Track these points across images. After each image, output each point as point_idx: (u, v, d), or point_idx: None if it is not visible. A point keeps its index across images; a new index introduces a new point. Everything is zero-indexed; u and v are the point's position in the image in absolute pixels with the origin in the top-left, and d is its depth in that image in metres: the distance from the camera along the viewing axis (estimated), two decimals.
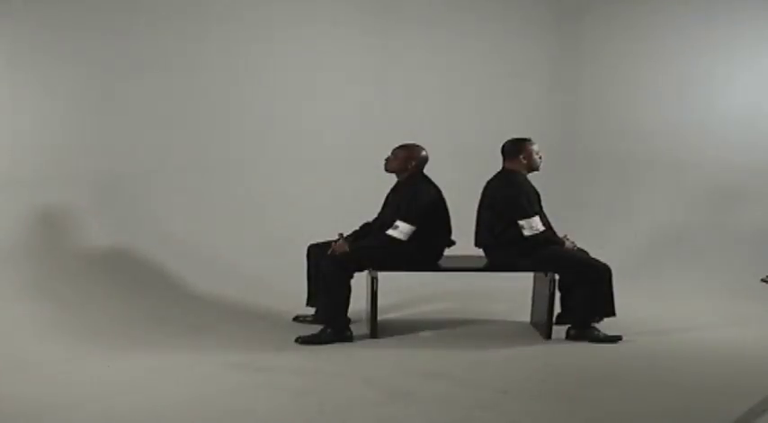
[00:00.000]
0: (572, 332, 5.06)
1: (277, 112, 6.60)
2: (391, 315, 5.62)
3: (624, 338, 5.04)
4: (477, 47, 7.31)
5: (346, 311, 5.00)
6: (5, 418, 3.71)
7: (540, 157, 5.22)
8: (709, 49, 7.03)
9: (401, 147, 5.26)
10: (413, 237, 5.05)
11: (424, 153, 5.25)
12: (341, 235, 5.26)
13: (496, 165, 5.29)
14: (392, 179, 5.36)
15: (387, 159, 5.28)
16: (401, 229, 5.03)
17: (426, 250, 5.19)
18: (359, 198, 5.84)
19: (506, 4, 7.39)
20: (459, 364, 4.58)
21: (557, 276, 5.08)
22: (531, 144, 5.21)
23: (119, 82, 5.90)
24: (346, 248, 5.11)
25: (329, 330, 4.95)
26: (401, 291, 6.09)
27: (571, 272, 5.06)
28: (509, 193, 5.09)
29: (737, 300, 6.00)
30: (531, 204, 5.07)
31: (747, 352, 4.88)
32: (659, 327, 5.44)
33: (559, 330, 5.11)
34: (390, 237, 5.05)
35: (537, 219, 5.04)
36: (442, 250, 5.27)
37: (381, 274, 5.07)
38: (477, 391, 4.11)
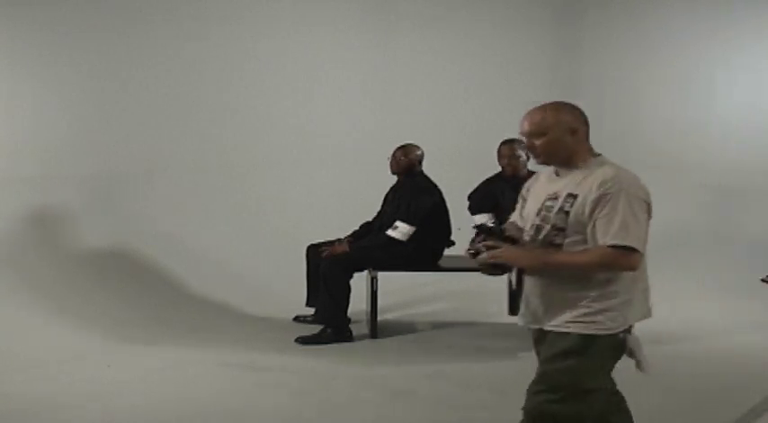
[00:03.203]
0: None
1: (277, 112, 6.60)
2: (391, 315, 5.62)
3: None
4: (477, 47, 7.31)
5: (346, 311, 5.00)
6: (5, 418, 3.71)
7: (508, 162, 5.12)
8: (710, 50, 7.02)
9: (399, 148, 5.29)
10: (412, 237, 5.05)
11: (419, 152, 5.27)
12: (339, 241, 5.27)
13: (496, 165, 5.28)
14: (392, 178, 5.37)
15: (390, 163, 5.29)
16: (400, 230, 5.03)
17: (426, 251, 5.18)
18: (359, 198, 5.84)
19: (506, 4, 7.39)
20: (459, 364, 4.58)
21: None
22: (504, 145, 5.17)
23: (118, 82, 5.90)
24: (346, 248, 5.11)
25: (329, 330, 4.95)
26: (401, 291, 6.08)
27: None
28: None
29: (738, 300, 5.98)
30: (476, 204, 5.21)
31: (747, 352, 4.87)
32: (659, 327, 5.41)
33: None
34: (390, 237, 5.05)
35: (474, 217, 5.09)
36: (442, 251, 5.27)
37: (381, 274, 5.06)
38: (477, 391, 4.11)
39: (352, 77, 6.92)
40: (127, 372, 4.37)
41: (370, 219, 5.44)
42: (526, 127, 2.70)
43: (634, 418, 3.97)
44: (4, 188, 5.41)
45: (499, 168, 5.26)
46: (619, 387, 4.38)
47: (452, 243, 5.27)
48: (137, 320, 5.22)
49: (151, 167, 6.10)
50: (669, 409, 3.91)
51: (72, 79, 5.71)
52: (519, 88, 7.39)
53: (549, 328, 2.65)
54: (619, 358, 2.68)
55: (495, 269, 2.64)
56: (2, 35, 5.45)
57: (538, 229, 2.61)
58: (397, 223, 5.05)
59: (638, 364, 2.69)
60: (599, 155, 2.71)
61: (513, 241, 2.65)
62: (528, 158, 5.12)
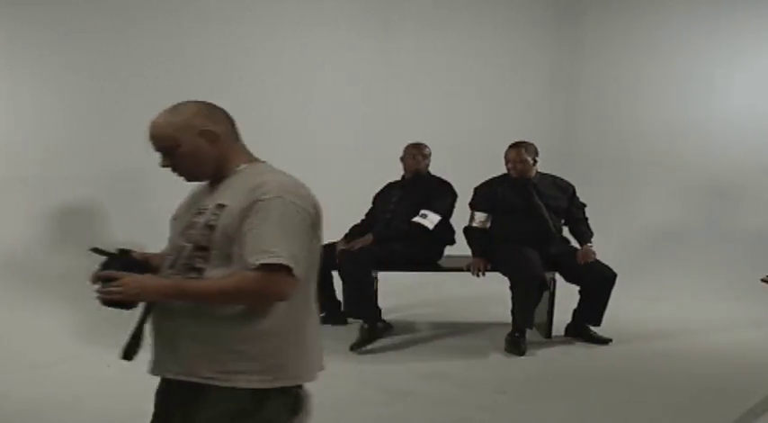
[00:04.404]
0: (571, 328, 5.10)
1: (277, 112, 6.60)
2: (391, 315, 5.62)
3: (624, 339, 5.04)
4: (478, 47, 7.31)
5: (376, 303, 4.97)
6: (5, 418, 3.71)
7: (511, 166, 5.14)
8: (710, 49, 7.02)
9: (414, 146, 5.32)
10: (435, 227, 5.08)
11: (427, 150, 5.33)
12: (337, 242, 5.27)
13: (496, 165, 5.29)
14: (391, 180, 5.37)
15: (411, 161, 5.28)
16: (430, 219, 5.06)
17: (430, 248, 5.20)
18: (359, 198, 5.84)
19: (508, 5, 7.39)
20: (459, 364, 4.58)
21: (556, 276, 5.10)
22: (510, 149, 5.15)
23: (118, 82, 5.89)
24: (370, 239, 5.07)
25: (366, 326, 4.91)
26: (401, 291, 6.08)
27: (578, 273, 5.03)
28: None
29: (737, 300, 5.98)
30: (474, 201, 5.20)
31: (747, 352, 4.88)
32: (659, 327, 5.43)
33: (559, 330, 5.11)
34: (418, 224, 5.04)
35: (475, 214, 5.16)
36: (443, 249, 5.28)
37: (381, 274, 5.06)
38: (477, 391, 4.11)
39: (353, 77, 6.92)
40: (127, 372, 4.35)
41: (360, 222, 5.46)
42: (152, 146, 2.14)
43: (635, 417, 3.97)
44: (4, 188, 5.41)
45: (498, 167, 5.28)
46: (619, 385, 4.36)
47: (454, 241, 5.29)
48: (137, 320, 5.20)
49: (151, 168, 6.09)
50: (668, 408, 3.91)
51: (72, 79, 5.71)
52: (520, 88, 7.39)
53: (195, 380, 2.03)
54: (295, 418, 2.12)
55: (118, 304, 2.07)
56: (2, 35, 5.45)
57: (180, 250, 2.07)
58: (425, 211, 5.08)
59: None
60: (263, 162, 2.24)
61: (147, 267, 2.14)
62: (535, 162, 5.13)
